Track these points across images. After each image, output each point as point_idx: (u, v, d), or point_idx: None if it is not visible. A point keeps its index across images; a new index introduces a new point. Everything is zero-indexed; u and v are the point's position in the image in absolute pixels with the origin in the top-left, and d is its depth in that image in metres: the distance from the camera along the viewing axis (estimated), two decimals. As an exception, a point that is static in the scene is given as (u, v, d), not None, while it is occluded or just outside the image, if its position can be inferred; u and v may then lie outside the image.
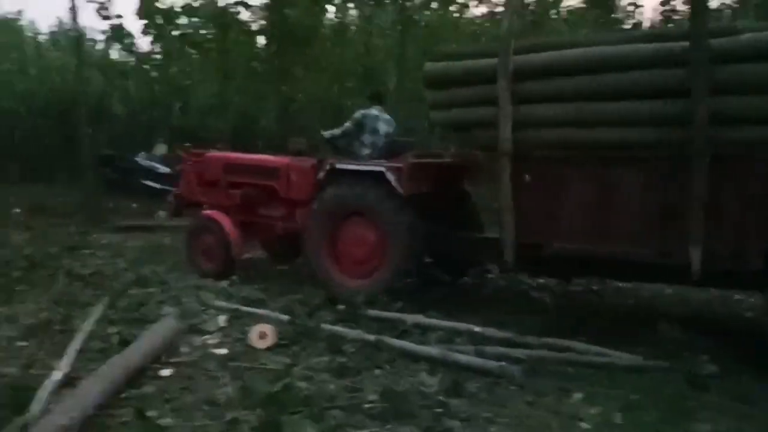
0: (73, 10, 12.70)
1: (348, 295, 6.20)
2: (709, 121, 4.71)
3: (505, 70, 5.46)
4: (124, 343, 4.83)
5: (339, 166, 6.68)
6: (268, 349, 4.95)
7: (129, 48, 16.73)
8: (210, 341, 5.14)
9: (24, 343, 5.08)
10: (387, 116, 7.26)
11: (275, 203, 7.47)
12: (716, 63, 4.71)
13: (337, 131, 7.24)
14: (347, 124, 7.18)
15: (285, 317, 5.55)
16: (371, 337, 5.03)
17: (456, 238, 6.58)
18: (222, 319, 5.57)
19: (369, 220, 6.48)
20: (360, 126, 7.09)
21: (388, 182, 6.30)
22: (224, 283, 6.91)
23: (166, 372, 4.46)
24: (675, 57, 4.91)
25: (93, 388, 3.81)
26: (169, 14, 15.60)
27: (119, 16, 15.77)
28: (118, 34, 16.01)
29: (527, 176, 5.56)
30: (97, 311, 5.68)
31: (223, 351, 4.91)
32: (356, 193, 6.50)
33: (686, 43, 4.84)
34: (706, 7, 5.05)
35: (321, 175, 6.83)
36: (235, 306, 5.95)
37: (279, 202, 7.43)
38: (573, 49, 5.44)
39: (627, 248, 5.29)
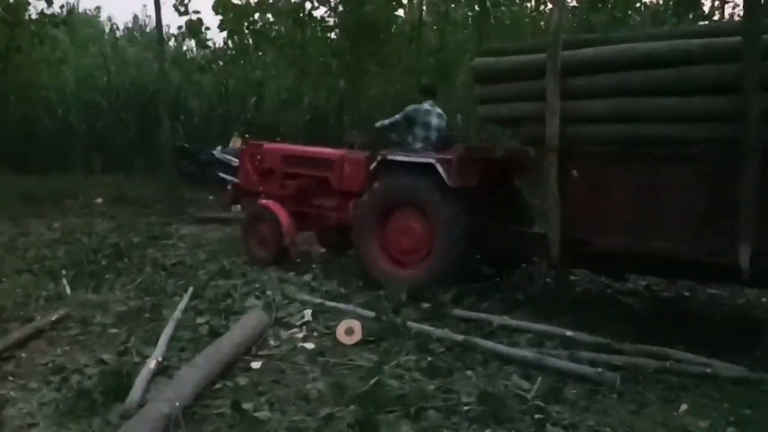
0: (158, 6, 12.92)
1: (394, 284, 6.25)
2: (761, 118, 4.57)
3: (553, 65, 5.41)
4: (214, 333, 4.89)
5: (390, 157, 6.70)
6: (356, 344, 4.90)
7: (204, 43, 17.10)
8: (297, 335, 5.13)
9: (116, 330, 5.19)
10: (439, 110, 7.30)
11: (329, 194, 7.56)
12: None
13: (386, 121, 7.37)
14: (397, 117, 7.27)
15: (370, 313, 5.49)
16: (459, 337, 4.92)
17: (503, 232, 6.51)
18: (308, 313, 5.54)
19: (417, 211, 6.50)
20: (411, 120, 7.14)
21: (437, 174, 6.27)
22: (307, 277, 6.91)
23: (256, 364, 4.46)
24: (726, 52, 4.79)
25: (190, 377, 3.83)
26: (245, 10, 15.83)
27: (196, 12, 16.01)
28: (195, 29, 16.30)
29: (574, 172, 5.49)
30: (183, 301, 5.76)
31: (311, 345, 4.88)
32: (406, 184, 6.54)
33: (738, 39, 4.70)
34: (761, 3, 4.83)
35: (373, 166, 6.85)
36: (319, 300, 5.93)
37: (333, 193, 7.51)
38: (621, 44, 5.37)
39: (674, 246, 5.09)
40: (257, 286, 6.46)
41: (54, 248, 8.33)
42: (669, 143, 5.09)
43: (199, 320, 5.33)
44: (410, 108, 7.26)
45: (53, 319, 5.26)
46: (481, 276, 6.67)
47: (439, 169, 6.26)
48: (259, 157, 8.33)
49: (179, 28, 16.85)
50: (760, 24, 4.65)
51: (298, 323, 5.36)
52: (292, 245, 7.57)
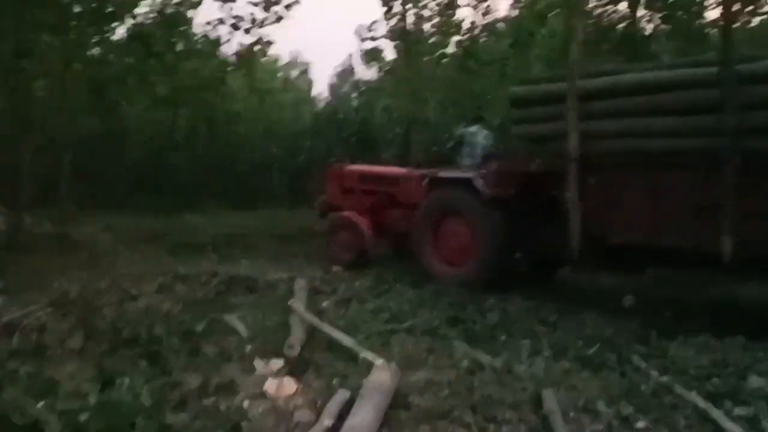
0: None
1: (447, 280, 7.49)
2: (737, 132, 5.62)
3: (572, 92, 6.64)
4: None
5: (438, 175, 8.15)
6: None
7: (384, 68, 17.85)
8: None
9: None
10: (485, 131, 8.67)
11: (397, 207, 9.08)
12: (742, 84, 5.64)
13: (449, 145, 8.83)
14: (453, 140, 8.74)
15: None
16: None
17: (537, 236, 7.42)
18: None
19: (462, 219, 7.78)
20: (460, 141, 8.57)
21: (474, 188, 7.54)
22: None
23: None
24: (710, 80, 5.90)
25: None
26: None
27: (374, 39, 16.71)
28: (373, 55, 17.53)
29: (591, 179, 6.67)
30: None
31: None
32: (450, 197, 7.91)
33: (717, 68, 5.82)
34: (732, 40, 5.99)
35: (425, 182, 8.34)
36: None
37: (399, 206, 9.03)
38: (628, 74, 6.64)
39: (673, 239, 6.15)
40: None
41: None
42: (667, 155, 6.20)
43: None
44: (460, 131, 8.78)
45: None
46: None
47: (476, 183, 7.57)
48: (341, 176, 9.99)
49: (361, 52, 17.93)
50: (734, 56, 5.75)
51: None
52: (372, 250, 9.12)
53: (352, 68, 27.75)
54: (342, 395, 3.92)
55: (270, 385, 4.20)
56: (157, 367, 4.47)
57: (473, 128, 8.68)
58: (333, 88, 31.38)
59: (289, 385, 4.23)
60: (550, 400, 4.03)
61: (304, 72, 32.78)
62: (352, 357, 4.78)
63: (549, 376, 4.58)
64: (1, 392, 3.81)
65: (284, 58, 29.95)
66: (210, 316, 5.73)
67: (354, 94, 24.27)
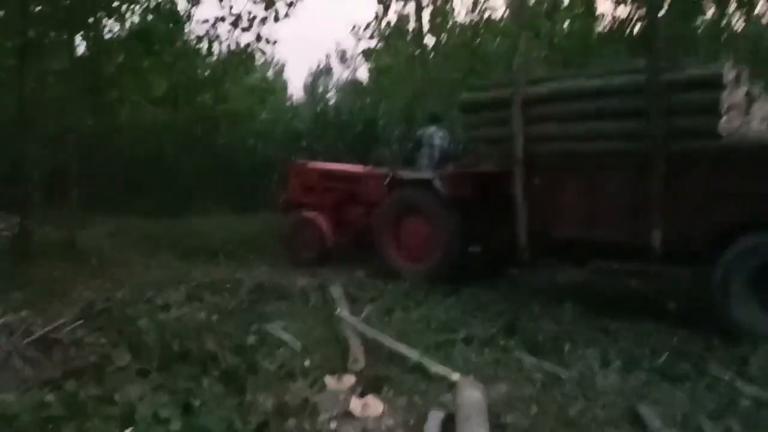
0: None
1: (410, 275, 7.96)
2: (663, 136, 6.28)
3: (517, 98, 7.19)
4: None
5: (399, 175, 8.49)
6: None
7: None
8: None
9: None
10: (441, 132, 9.03)
11: (358, 204, 9.34)
12: (667, 91, 6.25)
13: (409, 146, 9.16)
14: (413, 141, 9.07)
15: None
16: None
17: (490, 232, 8.05)
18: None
19: (422, 217, 8.27)
20: (419, 142, 8.92)
21: (434, 188, 8.03)
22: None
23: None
24: (639, 87, 6.49)
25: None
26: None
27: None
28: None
29: (535, 179, 7.30)
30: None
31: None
32: (411, 196, 8.37)
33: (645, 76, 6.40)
34: (658, 48, 6.69)
35: (386, 182, 8.71)
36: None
37: (360, 203, 9.30)
38: (568, 81, 7.26)
39: (609, 233, 6.84)
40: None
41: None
42: (602, 156, 6.87)
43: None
44: (419, 132, 9.06)
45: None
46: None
47: (436, 184, 8.02)
48: (303, 174, 10.02)
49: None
50: (659, 66, 6.43)
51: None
52: (334, 248, 9.25)
53: (330, 68, 28.40)
54: (437, 416, 3.95)
55: (355, 405, 4.15)
56: (223, 385, 4.34)
57: (430, 129, 8.95)
58: (307, 88, 30.70)
59: (375, 404, 4.20)
60: (651, 417, 4.00)
61: (281, 72, 31.14)
62: (419, 370, 4.74)
63: (633, 389, 4.54)
64: (79, 423, 3.63)
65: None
66: (255, 327, 5.66)
67: (329, 94, 24.31)
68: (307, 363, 4.88)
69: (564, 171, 7.15)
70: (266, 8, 13.87)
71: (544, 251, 7.54)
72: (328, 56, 29.44)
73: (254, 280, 7.77)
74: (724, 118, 6.05)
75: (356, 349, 5.04)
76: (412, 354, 4.98)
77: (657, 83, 6.32)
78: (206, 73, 15.88)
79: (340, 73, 28.47)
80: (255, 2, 13.84)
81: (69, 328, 5.56)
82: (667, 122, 6.30)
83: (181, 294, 7.07)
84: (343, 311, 6.06)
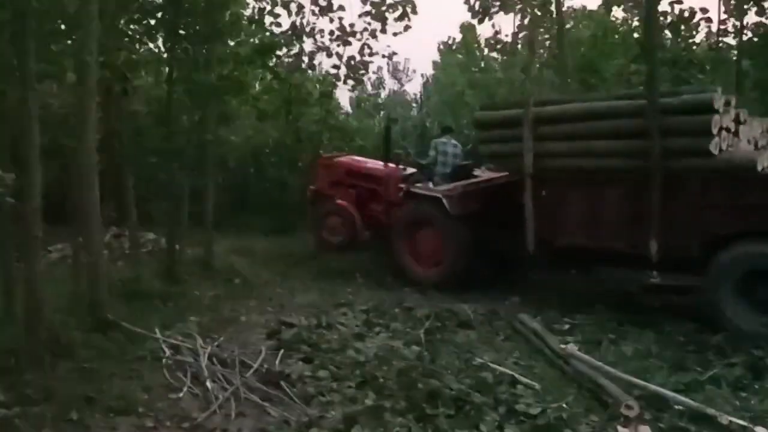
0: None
1: (421, 280, 8.76)
2: (660, 155, 6.85)
3: (528, 118, 7.80)
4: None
5: (412, 189, 9.17)
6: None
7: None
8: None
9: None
10: (454, 142, 9.79)
11: (378, 202, 10.06)
12: (665, 114, 6.87)
13: (428, 158, 9.75)
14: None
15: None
16: None
17: (500, 240, 8.63)
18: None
19: (433, 229, 8.95)
20: (435, 151, 9.58)
21: (443, 205, 8.67)
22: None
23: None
24: (639, 110, 7.11)
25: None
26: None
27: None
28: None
29: (543, 191, 7.93)
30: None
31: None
32: (423, 209, 9.08)
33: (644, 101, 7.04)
34: (656, 76, 7.32)
35: (401, 194, 9.43)
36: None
37: (381, 201, 10.02)
38: (574, 104, 7.92)
39: (610, 242, 7.45)
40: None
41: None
42: (605, 172, 7.52)
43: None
44: (434, 141, 9.77)
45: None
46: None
47: (445, 202, 8.65)
48: (330, 168, 10.71)
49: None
50: (657, 90, 7.12)
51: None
52: (360, 238, 9.98)
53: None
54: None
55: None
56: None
57: (444, 139, 9.67)
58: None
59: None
60: None
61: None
62: (698, 418, 4.36)
63: None
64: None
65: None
66: (477, 362, 5.51)
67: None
68: (564, 405, 4.57)
69: (569, 185, 7.78)
70: (380, 22, 13.81)
71: (548, 258, 8.15)
72: (379, 68, 29.54)
73: (427, 305, 7.75)
74: (715, 139, 6.68)
75: (617, 393, 4.61)
76: (687, 401, 4.55)
77: (655, 107, 6.94)
78: (317, 87, 15.73)
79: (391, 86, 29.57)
80: (368, 14, 13.75)
81: (278, 359, 5.52)
82: (664, 142, 6.93)
83: (354, 319, 7.09)
84: (570, 346, 5.69)
